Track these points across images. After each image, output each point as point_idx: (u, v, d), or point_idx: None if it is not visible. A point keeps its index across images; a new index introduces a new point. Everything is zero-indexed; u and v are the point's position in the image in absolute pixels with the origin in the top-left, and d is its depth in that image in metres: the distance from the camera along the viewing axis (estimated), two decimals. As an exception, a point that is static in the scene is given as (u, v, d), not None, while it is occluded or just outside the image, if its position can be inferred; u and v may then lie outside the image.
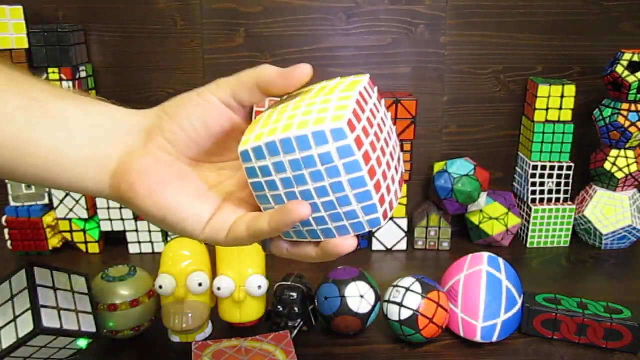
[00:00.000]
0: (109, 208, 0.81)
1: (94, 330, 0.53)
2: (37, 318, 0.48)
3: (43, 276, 0.52)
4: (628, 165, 0.82)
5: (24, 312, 0.48)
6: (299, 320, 0.60)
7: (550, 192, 0.85)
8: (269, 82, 0.34)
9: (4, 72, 0.34)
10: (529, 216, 0.85)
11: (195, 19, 0.82)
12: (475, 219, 0.85)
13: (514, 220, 0.84)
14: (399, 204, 0.82)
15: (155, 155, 0.34)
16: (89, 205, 0.81)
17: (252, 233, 0.32)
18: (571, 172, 0.84)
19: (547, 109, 0.82)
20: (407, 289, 0.58)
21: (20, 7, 0.74)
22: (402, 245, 0.85)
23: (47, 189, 0.81)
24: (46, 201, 0.82)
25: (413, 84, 0.86)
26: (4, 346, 0.47)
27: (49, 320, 0.49)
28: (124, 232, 0.82)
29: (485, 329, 0.59)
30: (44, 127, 0.33)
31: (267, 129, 0.31)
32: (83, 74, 0.80)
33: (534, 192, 0.85)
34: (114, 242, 0.84)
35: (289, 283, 0.61)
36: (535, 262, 0.82)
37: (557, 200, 0.86)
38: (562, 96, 0.81)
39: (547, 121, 0.82)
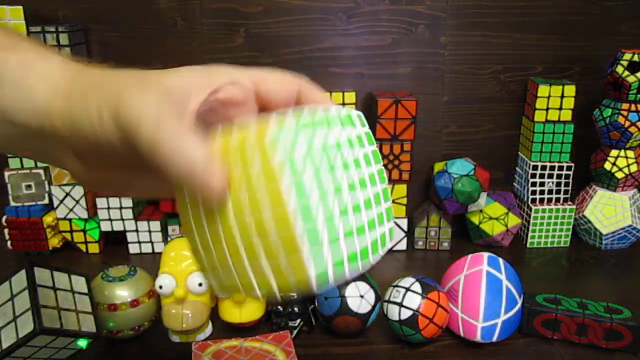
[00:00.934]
0: (109, 208, 0.81)
1: (94, 330, 0.53)
2: (37, 318, 0.47)
3: (43, 276, 0.52)
4: (628, 165, 0.82)
5: (24, 312, 0.48)
6: (299, 320, 0.60)
7: (550, 192, 0.85)
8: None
9: None
10: (529, 216, 0.85)
11: (195, 19, 0.82)
12: (475, 219, 0.85)
13: (514, 220, 0.84)
14: (399, 203, 0.82)
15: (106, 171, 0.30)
16: (89, 205, 0.81)
17: None
18: (571, 172, 0.84)
19: (547, 109, 0.82)
20: (407, 289, 0.58)
21: (20, 7, 0.74)
22: (402, 245, 0.85)
23: (48, 189, 0.81)
24: (46, 201, 0.82)
25: (413, 84, 0.86)
26: (4, 346, 0.47)
27: (49, 320, 0.49)
28: (124, 232, 0.82)
29: (485, 329, 0.59)
30: None
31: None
32: (83, 74, 0.80)
33: (534, 192, 0.85)
34: (114, 242, 0.84)
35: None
36: (535, 262, 0.82)
37: (557, 200, 0.86)
38: (562, 96, 0.81)
39: (547, 121, 0.82)
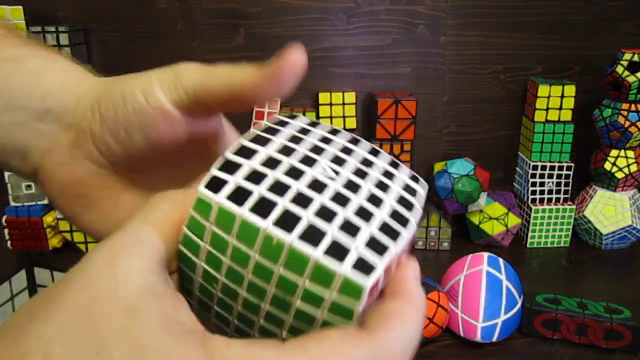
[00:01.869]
0: (109, 208, 0.81)
1: (94, 330, 0.53)
2: (37, 318, 0.47)
3: (43, 276, 0.52)
4: (628, 165, 0.82)
5: (24, 312, 0.48)
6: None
7: (550, 192, 0.85)
8: (249, 90, 0.24)
9: None
10: (529, 216, 0.85)
11: (195, 19, 0.82)
12: (475, 219, 0.85)
13: (514, 220, 0.84)
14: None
15: (81, 165, 0.26)
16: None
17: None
18: (571, 172, 0.84)
19: (547, 109, 0.82)
20: (407, 289, 0.58)
21: (20, 7, 0.74)
22: (402, 245, 0.85)
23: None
24: (46, 201, 0.82)
25: (413, 84, 0.86)
26: (4, 346, 0.47)
27: (49, 320, 0.49)
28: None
29: (485, 329, 0.59)
30: None
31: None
32: (83, 74, 0.80)
33: (534, 192, 0.85)
34: (114, 242, 0.84)
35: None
36: (535, 262, 0.82)
37: (557, 200, 0.86)
38: (562, 96, 0.81)
39: (547, 121, 0.82)
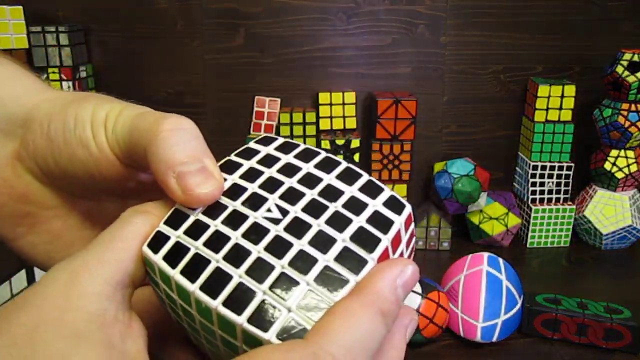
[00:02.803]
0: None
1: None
2: (37, 318, 0.47)
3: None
4: (628, 165, 0.82)
5: (24, 312, 0.48)
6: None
7: (550, 192, 0.85)
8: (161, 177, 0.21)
9: None
10: (529, 216, 0.85)
11: (195, 19, 0.82)
12: (475, 219, 0.85)
13: (514, 220, 0.84)
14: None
15: (22, 180, 0.24)
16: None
17: None
18: (571, 172, 0.84)
19: (547, 109, 0.82)
20: (407, 289, 0.58)
21: (20, 7, 0.74)
22: (402, 245, 0.85)
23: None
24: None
25: (413, 84, 0.86)
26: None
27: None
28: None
29: (485, 329, 0.59)
30: None
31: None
32: (83, 74, 0.80)
33: (534, 192, 0.85)
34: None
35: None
36: (535, 262, 0.82)
37: (557, 200, 0.86)
38: (562, 96, 0.81)
39: (547, 121, 0.82)
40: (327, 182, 0.21)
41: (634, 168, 0.82)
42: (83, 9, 0.81)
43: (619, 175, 0.82)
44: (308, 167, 0.22)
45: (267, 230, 0.19)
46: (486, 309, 0.59)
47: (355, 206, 0.20)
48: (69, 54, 0.77)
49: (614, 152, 0.83)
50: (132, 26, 0.82)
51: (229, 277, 0.18)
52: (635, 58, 0.77)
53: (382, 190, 0.21)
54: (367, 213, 0.20)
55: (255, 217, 0.20)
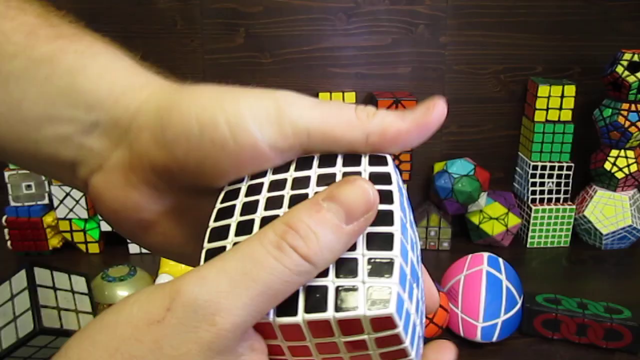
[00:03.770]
0: (109, 208, 0.81)
1: (94, 330, 0.53)
2: (37, 318, 0.47)
3: (43, 276, 0.52)
4: (628, 165, 0.82)
5: (24, 312, 0.48)
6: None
7: (550, 192, 0.85)
8: (392, 138, 0.22)
9: None
10: (529, 216, 0.85)
11: (195, 19, 0.82)
12: (475, 219, 0.85)
13: (514, 220, 0.84)
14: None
15: (138, 191, 0.23)
16: (89, 205, 0.81)
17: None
18: (571, 172, 0.84)
19: (547, 109, 0.82)
20: (407, 289, 0.58)
21: (20, 7, 0.74)
22: (402, 245, 0.85)
23: (48, 189, 0.81)
24: (46, 201, 0.82)
25: (413, 84, 0.86)
26: (4, 346, 0.47)
27: (49, 320, 0.49)
28: (124, 232, 0.82)
29: (485, 329, 0.59)
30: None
31: None
32: (83, 74, 0.80)
33: (534, 192, 0.85)
34: (114, 242, 0.84)
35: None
36: (535, 262, 0.82)
37: (557, 200, 0.86)
38: (562, 96, 0.81)
39: (547, 121, 0.82)
40: (313, 177, 0.21)
41: (634, 168, 0.82)
42: (82, 9, 0.81)
43: (619, 175, 0.82)
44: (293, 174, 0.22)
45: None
46: (486, 309, 0.59)
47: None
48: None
49: (614, 152, 0.82)
50: (132, 26, 0.82)
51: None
52: (635, 58, 0.77)
53: (360, 157, 0.22)
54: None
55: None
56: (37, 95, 0.23)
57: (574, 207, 0.85)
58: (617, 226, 0.83)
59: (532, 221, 0.85)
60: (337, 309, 0.18)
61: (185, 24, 0.82)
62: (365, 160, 0.22)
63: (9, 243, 0.82)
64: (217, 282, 0.17)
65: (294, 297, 0.18)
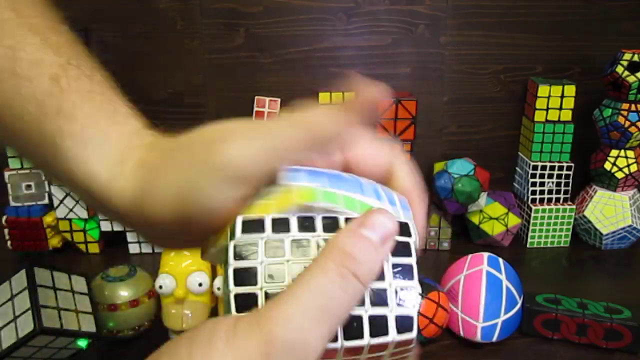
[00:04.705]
0: (109, 208, 0.81)
1: (94, 330, 0.53)
2: (37, 318, 0.48)
3: (43, 276, 0.52)
4: (628, 165, 0.82)
5: (24, 312, 0.48)
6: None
7: (550, 192, 0.85)
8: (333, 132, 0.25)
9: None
10: (529, 216, 0.85)
11: (195, 19, 0.82)
12: (475, 219, 0.85)
13: (514, 220, 0.84)
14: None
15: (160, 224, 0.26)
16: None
17: None
18: (571, 172, 0.84)
19: (547, 109, 0.82)
20: (407, 289, 0.58)
21: (20, 7, 0.74)
22: (402, 245, 0.85)
23: (48, 189, 0.81)
24: (46, 201, 0.82)
25: (413, 84, 0.86)
26: (4, 346, 0.47)
27: (49, 320, 0.49)
28: (124, 232, 0.82)
29: (485, 329, 0.59)
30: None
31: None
32: (83, 74, 0.80)
33: (534, 192, 0.85)
34: (114, 242, 0.84)
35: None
36: (535, 262, 0.82)
37: (557, 200, 0.86)
38: (562, 96, 0.81)
39: (547, 121, 0.82)
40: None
41: (634, 168, 0.82)
42: (83, 9, 0.81)
43: (619, 175, 0.82)
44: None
45: None
46: (486, 309, 0.59)
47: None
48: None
49: (614, 152, 0.83)
50: (132, 26, 0.82)
51: None
52: (635, 58, 0.77)
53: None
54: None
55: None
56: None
57: (574, 207, 0.85)
58: (617, 226, 0.83)
59: (532, 221, 0.85)
60: (372, 334, 0.20)
61: (185, 24, 0.82)
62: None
63: (9, 243, 0.82)
64: (302, 321, 0.19)
65: None
